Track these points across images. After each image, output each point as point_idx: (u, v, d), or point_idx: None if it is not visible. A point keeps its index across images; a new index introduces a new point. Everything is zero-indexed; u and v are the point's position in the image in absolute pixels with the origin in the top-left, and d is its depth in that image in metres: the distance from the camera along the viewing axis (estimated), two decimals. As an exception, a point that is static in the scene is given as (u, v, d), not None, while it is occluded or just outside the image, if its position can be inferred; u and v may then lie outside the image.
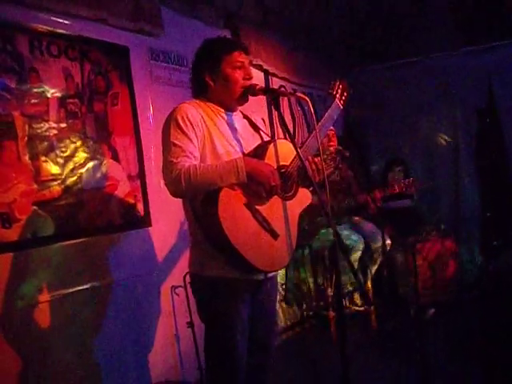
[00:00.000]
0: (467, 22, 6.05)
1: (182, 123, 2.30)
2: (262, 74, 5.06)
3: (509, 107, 5.92)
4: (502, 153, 6.03)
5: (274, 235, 2.35)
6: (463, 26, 6.10)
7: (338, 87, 2.70)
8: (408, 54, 6.25)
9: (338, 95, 2.68)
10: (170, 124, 2.32)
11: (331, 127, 4.81)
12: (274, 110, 5.03)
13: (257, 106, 4.59)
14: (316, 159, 2.51)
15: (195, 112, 2.36)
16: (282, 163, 2.45)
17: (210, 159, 2.34)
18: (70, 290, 3.03)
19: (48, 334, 2.92)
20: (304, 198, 2.55)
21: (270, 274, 2.49)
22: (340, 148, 4.70)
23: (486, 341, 3.82)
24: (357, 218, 5.04)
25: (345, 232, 4.73)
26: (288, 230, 2.41)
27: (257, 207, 2.32)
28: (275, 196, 2.38)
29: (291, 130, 5.35)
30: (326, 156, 4.82)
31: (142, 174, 3.53)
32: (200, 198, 2.28)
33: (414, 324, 4.83)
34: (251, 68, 2.53)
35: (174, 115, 2.33)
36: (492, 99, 6.03)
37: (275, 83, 5.22)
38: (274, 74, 5.19)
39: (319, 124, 2.58)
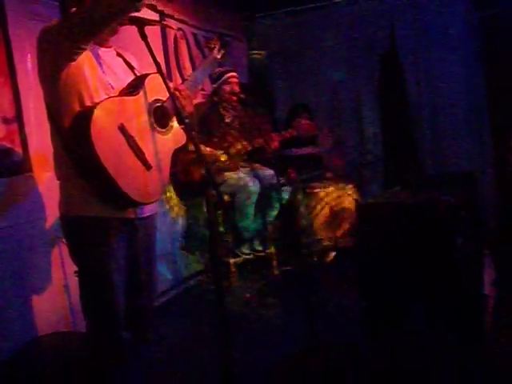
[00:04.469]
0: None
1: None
2: (158, 15, 4.85)
3: (410, 52, 5.93)
4: (404, 99, 6.08)
5: (147, 166, 2.27)
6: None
7: (216, 43, 2.96)
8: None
9: (215, 50, 2.94)
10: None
11: (234, 74, 4.82)
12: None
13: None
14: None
15: None
16: (159, 97, 2.39)
17: (80, 89, 2.20)
18: None
19: None
20: (179, 136, 2.48)
21: (143, 214, 2.40)
22: (241, 96, 4.70)
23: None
24: (257, 165, 5.00)
25: (241, 175, 4.70)
26: (161, 164, 2.34)
27: (131, 134, 2.22)
28: (149, 127, 2.31)
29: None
30: (225, 104, 4.83)
31: (19, 117, 3.31)
32: (70, 122, 2.17)
33: (313, 268, 4.88)
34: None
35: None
36: (394, 44, 6.03)
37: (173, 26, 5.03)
38: (170, 16, 4.98)
39: (196, 72, 2.85)
